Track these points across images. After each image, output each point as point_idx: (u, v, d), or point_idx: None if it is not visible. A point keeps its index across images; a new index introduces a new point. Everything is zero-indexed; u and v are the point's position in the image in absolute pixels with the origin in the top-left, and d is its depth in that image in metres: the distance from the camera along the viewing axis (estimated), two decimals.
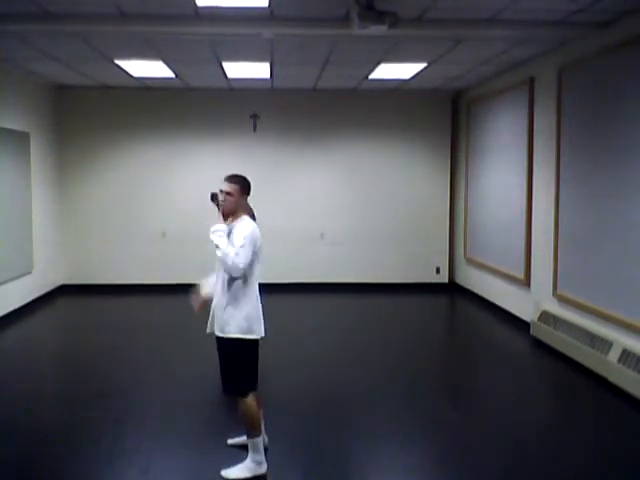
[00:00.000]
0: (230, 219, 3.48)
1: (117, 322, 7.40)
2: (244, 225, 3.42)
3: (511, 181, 7.22)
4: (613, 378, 4.85)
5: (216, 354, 3.54)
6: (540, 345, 6.15)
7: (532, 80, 6.69)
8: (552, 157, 6.16)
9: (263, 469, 3.46)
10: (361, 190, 9.24)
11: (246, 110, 9.01)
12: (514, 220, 7.10)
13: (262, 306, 3.53)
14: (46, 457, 3.72)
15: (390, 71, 7.40)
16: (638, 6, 4.65)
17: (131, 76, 7.70)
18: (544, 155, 6.41)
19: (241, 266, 3.27)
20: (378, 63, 6.96)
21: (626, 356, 4.74)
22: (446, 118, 9.28)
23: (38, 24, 5.11)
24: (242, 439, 3.69)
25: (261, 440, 3.49)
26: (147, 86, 8.63)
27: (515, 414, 4.49)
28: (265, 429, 3.67)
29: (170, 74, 7.59)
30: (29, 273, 7.79)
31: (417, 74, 7.57)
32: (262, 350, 6.24)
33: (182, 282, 9.36)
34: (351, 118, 9.13)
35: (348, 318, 7.70)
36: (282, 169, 9.14)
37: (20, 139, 7.58)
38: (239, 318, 3.37)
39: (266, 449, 3.60)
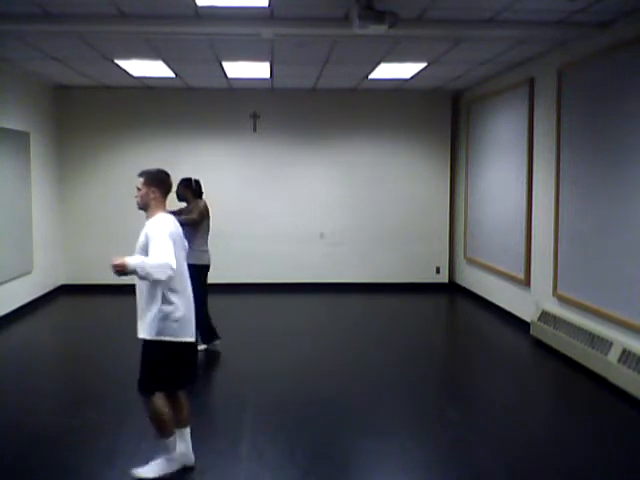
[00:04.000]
0: (146, 216, 3.41)
1: (117, 322, 7.39)
2: (156, 221, 3.32)
3: (511, 181, 7.22)
4: (613, 378, 4.85)
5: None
6: (540, 345, 6.14)
7: (532, 80, 6.69)
8: (552, 157, 6.16)
9: (175, 466, 3.41)
10: (361, 190, 9.24)
11: (246, 110, 9.01)
12: (514, 220, 7.09)
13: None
14: (45, 457, 3.72)
15: (390, 71, 7.40)
16: (638, 6, 4.65)
17: (131, 76, 7.70)
18: (544, 155, 6.41)
19: (169, 262, 3.08)
20: (378, 63, 6.96)
21: (626, 356, 4.73)
22: (446, 118, 9.28)
23: (38, 24, 5.10)
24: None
25: (172, 441, 3.39)
26: (147, 86, 8.64)
27: (515, 414, 4.49)
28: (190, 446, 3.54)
29: (170, 74, 7.59)
30: (29, 273, 7.79)
31: (417, 74, 7.57)
32: (262, 350, 6.26)
33: None
34: (351, 118, 9.13)
35: (348, 318, 7.70)
36: (282, 169, 9.14)
37: (20, 139, 7.57)
38: (163, 319, 3.28)
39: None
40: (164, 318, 3.30)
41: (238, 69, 7.31)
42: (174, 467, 3.43)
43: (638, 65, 4.73)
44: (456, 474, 3.55)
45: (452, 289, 9.33)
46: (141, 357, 3.41)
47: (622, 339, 4.88)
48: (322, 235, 9.26)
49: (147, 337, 3.32)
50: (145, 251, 3.24)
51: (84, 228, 9.01)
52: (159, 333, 3.30)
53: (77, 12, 4.94)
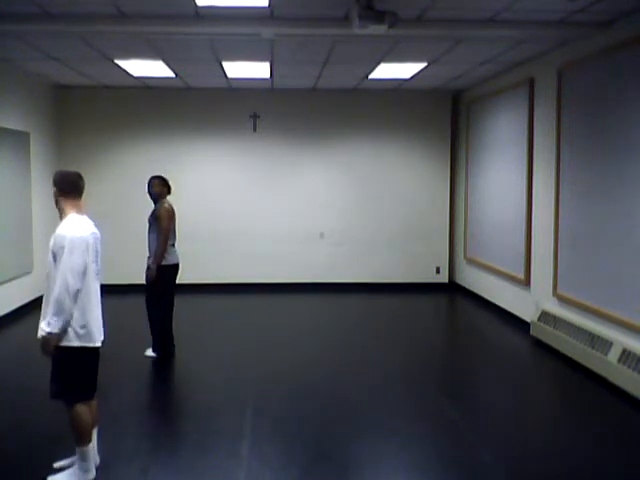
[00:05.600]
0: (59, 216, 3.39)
1: (116, 321, 7.38)
2: (66, 225, 3.32)
3: (511, 181, 7.22)
4: (613, 378, 4.85)
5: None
6: (540, 345, 6.15)
7: (532, 80, 6.69)
8: (552, 157, 6.16)
9: (90, 476, 3.35)
10: (361, 190, 9.25)
11: (246, 110, 9.01)
12: (514, 220, 7.10)
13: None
14: (46, 457, 3.71)
15: (390, 71, 7.40)
16: (638, 6, 4.65)
17: (131, 76, 7.71)
18: (544, 155, 6.41)
19: (72, 282, 3.15)
20: (378, 63, 6.96)
21: (626, 356, 4.74)
22: (446, 118, 9.28)
23: (38, 24, 5.11)
24: (68, 461, 3.50)
25: (89, 449, 3.35)
26: (147, 86, 8.64)
27: (515, 414, 4.49)
28: (98, 446, 3.53)
29: (170, 74, 7.59)
30: (29, 273, 7.78)
31: (417, 74, 7.58)
32: (262, 350, 6.24)
33: (181, 282, 9.34)
34: (351, 118, 9.13)
35: (348, 318, 7.70)
36: (282, 169, 9.15)
37: (20, 139, 7.57)
38: (72, 325, 3.22)
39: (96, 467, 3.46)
40: (80, 324, 3.25)
41: (238, 69, 7.32)
42: (89, 477, 3.34)
43: (638, 65, 4.73)
44: (456, 474, 3.55)
45: (452, 289, 9.33)
46: (55, 365, 3.32)
47: (622, 339, 4.88)
48: (322, 235, 9.26)
49: (67, 343, 3.24)
50: (55, 260, 3.27)
51: None
52: (70, 340, 3.24)
53: (77, 12, 4.95)
